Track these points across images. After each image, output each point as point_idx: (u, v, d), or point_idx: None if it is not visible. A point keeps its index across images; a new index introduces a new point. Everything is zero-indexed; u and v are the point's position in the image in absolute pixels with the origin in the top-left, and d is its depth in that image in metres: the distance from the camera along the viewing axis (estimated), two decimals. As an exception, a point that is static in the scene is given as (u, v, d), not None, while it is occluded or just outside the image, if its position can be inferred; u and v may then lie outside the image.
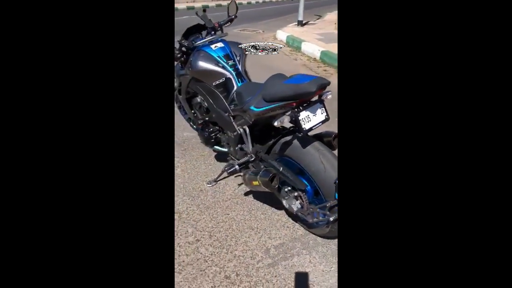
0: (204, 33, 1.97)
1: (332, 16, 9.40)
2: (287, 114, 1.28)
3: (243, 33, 7.57)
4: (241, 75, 1.71)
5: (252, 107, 1.40)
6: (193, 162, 2.23)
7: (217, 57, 1.69)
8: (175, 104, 2.52)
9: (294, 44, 5.87)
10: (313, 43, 5.56)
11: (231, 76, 1.67)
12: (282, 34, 6.54)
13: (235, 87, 1.68)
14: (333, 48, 5.31)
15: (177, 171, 2.12)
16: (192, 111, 2.04)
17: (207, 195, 1.90)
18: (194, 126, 2.53)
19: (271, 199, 1.83)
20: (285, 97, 1.25)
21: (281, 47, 1.96)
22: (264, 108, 1.34)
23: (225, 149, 1.99)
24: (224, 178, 2.04)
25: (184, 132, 2.63)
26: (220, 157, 2.27)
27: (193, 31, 1.92)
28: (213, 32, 1.93)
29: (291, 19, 9.00)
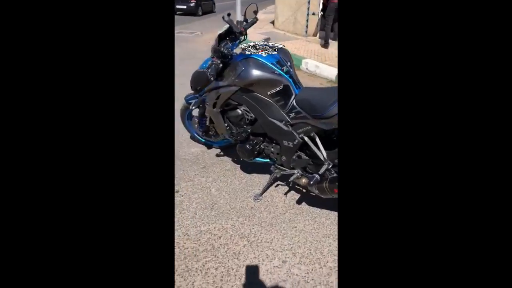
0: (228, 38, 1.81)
1: (261, 15, 9.62)
2: None
3: (180, 35, 7.16)
4: (296, 82, 1.63)
5: None
6: (222, 179, 2.05)
7: (270, 65, 1.57)
8: (185, 121, 2.30)
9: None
10: (262, 43, 5.62)
11: (288, 83, 1.57)
12: (225, 35, 6.41)
13: (293, 95, 1.59)
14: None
15: (212, 191, 1.92)
16: (225, 125, 1.86)
17: (261, 211, 1.77)
18: (203, 140, 2.33)
19: (325, 203, 1.80)
20: None
21: (281, 47, 1.87)
22: None
23: (267, 160, 1.88)
24: (266, 190, 1.93)
25: (191, 148, 2.40)
26: (248, 168, 2.13)
27: (223, 37, 1.75)
28: (241, 38, 1.80)
29: (223, 19, 8.88)
